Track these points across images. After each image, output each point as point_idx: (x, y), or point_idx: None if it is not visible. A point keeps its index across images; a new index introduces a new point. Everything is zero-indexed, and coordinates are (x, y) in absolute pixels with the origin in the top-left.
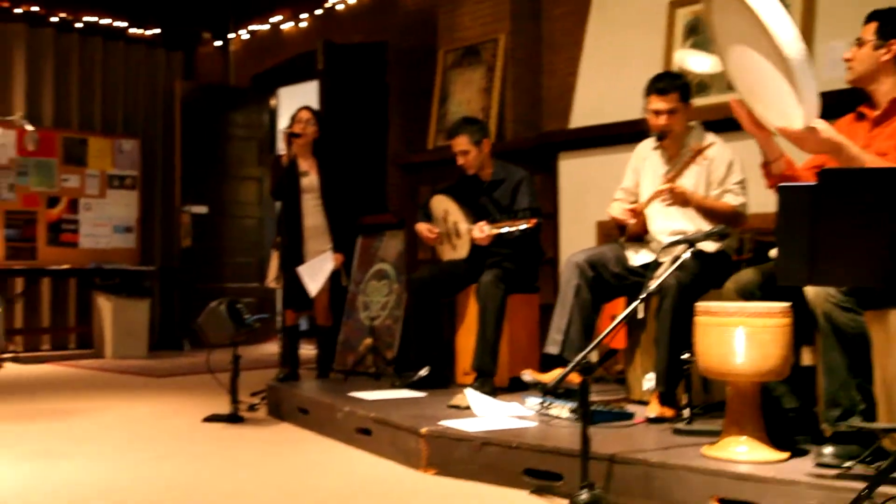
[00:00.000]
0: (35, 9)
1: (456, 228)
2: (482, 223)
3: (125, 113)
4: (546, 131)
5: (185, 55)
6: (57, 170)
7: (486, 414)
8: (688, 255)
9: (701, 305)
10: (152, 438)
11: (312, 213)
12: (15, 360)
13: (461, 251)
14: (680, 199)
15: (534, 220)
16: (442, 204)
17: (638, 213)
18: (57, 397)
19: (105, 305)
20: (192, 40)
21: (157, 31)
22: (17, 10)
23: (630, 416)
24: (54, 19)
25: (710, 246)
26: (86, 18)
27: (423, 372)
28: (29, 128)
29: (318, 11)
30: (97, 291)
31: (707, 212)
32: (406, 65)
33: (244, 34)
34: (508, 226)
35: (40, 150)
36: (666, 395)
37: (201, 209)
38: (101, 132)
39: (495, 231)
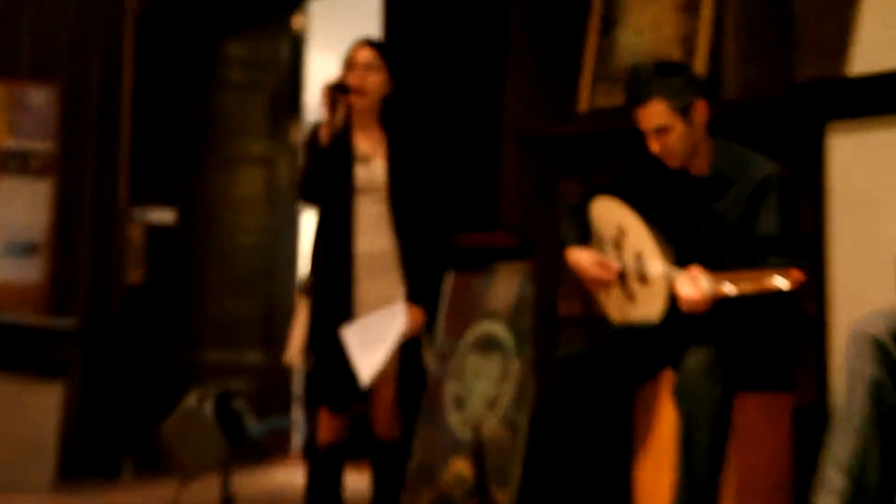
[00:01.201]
0: None
1: (640, 265)
2: (696, 270)
3: (36, 41)
4: (802, 82)
5: None
6: None
7: None
8: None
9: None
10: None
11: (373, 230)
12: None
13: (648, 308)
14: None
15: (798, 275)
16: (613, 215)
17: None
18: None
19: None
20: None
21: None
22: None
23: None
24: None
25: None
26: None
27: None
28: None
29: None
30: None
31: None
32: None
33: None
34: (750, 283)
35: None
36: None
37: (164, 215)
38: None
39: (722, 291)
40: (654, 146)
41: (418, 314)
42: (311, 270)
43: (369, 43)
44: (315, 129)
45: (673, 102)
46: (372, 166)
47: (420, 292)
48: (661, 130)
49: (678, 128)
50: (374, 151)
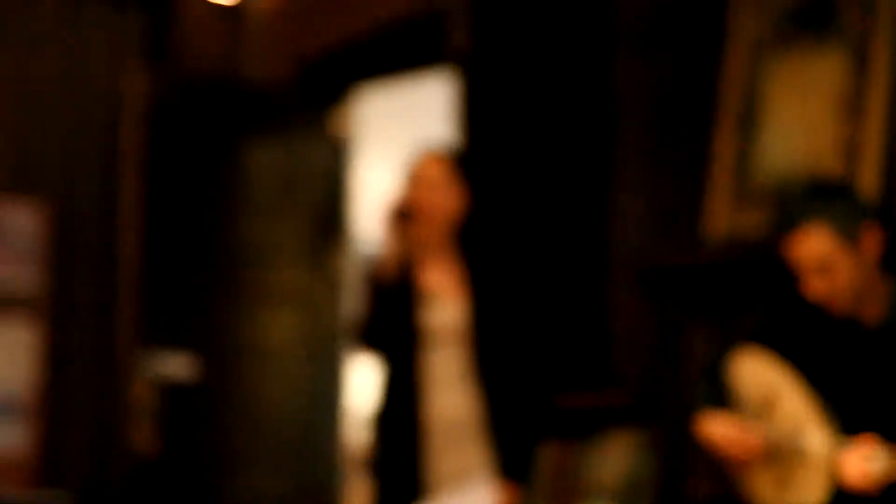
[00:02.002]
0: None
1: (795, 438)
2: (868, 443)
3: (15, 147)
4: None
5: (148, 21)
6: None
7: None
8: None
9: None
10: None
11: (450, 388)
12: None
13: (806, 493)
14: None
15: None
16: (760, 374)
17: None
18: None
19: None
20: None
21: None
22: None
23: None
24: None
25: None
26: None
27: None
28: None
29: None
30: None
31: None
32: (659, 47)
33: None
34: None
35: None
36: None
37: (179, 366)
38: None
39: None
40: (815, 287)
41: (510, 494)
42: (375, 439)
43: (437, 156)
44: (376, 263)
45: (837, 231)
46: (445, 308)
47: (512, 467)
48: (824, 266)
49: (845, 262)
50: (446, 289)
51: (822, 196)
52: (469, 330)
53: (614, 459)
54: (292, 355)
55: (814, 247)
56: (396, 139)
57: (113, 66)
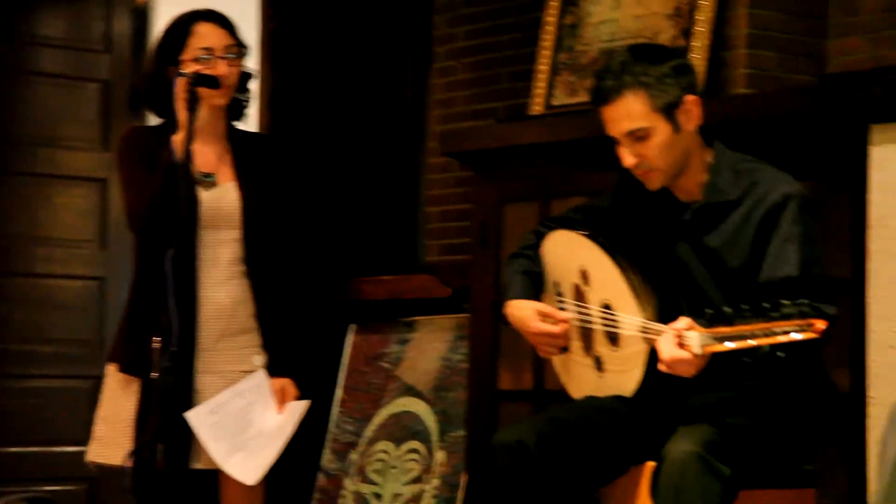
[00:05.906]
0: None
1: (609, 320)
2: (685, 322)
3: None
4: (839, 72)
5: None
6: None
7: None
8: None
9: None
10: None
11: (226, 276)
12: None
13: (620, 377)
14: None
15: (822, 324)
16: (574, 255)
17: None
18: None
19: None
20: None
21: None
22: None
23: None
24: None
25: None
26: None
27: None
28: None
29: None
30: None
31: None
32: None
33: None
34: (757, 335)
35: None
36: None
37: None
38: None
39: (715, 347)
40: (627, 158)
41: (290, 389)
42: (128, 333)
43: (221, 20)
44: (133, 134)
45: (653, 98)
46: (219, 190)
47: (285, 361)
48: (637, 137)
49: (660, 133)
50: (219, 170)
51: (640, 61)
52: (243, 214)
53: (425, 350)
54: (82, 241)
55: (625, 117)
56: (198, 5)
57: None
